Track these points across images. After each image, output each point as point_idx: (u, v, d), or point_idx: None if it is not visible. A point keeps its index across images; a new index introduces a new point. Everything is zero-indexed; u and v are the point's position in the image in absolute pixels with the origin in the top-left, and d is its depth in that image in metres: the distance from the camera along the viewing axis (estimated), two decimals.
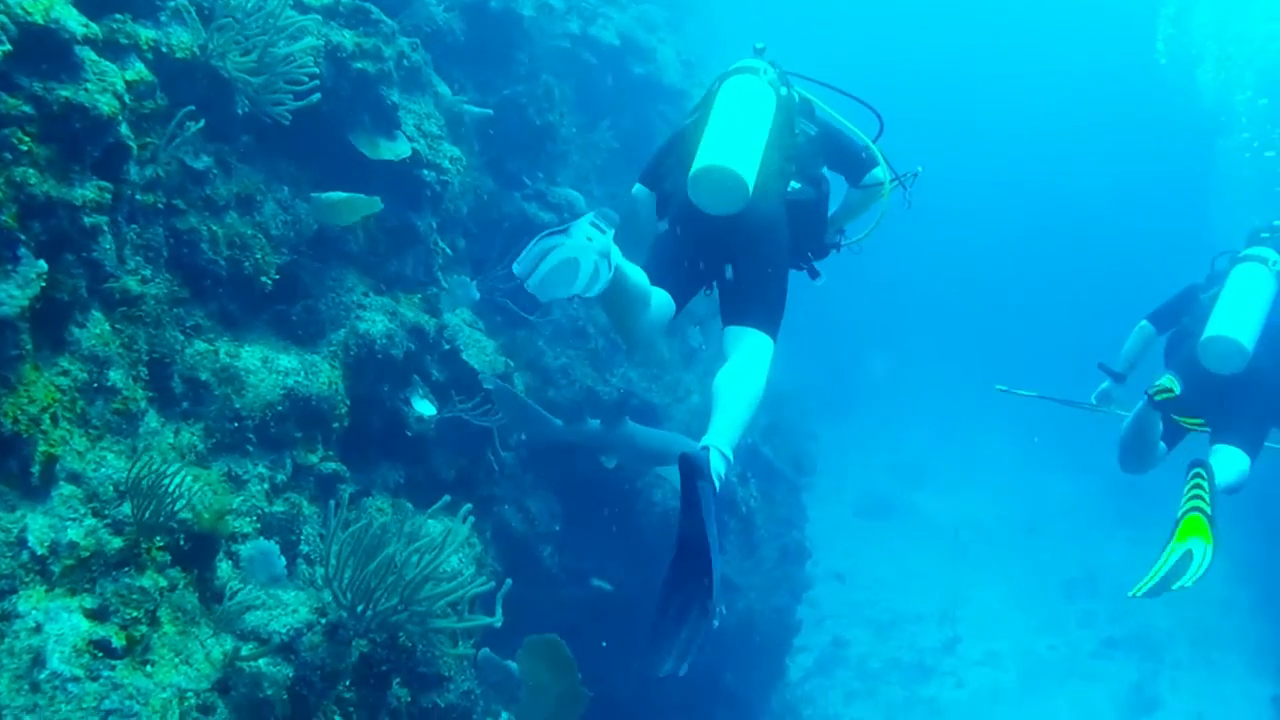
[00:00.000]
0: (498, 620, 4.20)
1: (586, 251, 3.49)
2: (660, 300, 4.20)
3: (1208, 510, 4.69)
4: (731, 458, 3.77)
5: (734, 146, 4.10)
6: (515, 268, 3.51)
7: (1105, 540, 17.69)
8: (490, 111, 7.09)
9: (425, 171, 5.93)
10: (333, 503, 4.04)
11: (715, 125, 4.20)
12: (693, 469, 3.48)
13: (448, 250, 6.23)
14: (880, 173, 4.79)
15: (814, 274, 4.80)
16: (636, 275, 3.93)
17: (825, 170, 4.71)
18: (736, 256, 4.23)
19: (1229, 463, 5.28)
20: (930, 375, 25.58)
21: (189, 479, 3.67)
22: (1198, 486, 4.77)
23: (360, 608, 3.88)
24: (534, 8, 8.08)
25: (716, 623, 3.48)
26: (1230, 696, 14.13)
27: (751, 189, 4.05)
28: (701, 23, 14.15)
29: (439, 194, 6.04)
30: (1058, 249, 31.58)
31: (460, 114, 6.73)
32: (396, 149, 5.64)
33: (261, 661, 3.64)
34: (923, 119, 23.14)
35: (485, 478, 6.39)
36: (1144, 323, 6.14)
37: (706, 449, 3.68)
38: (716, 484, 3.59)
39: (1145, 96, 27.08)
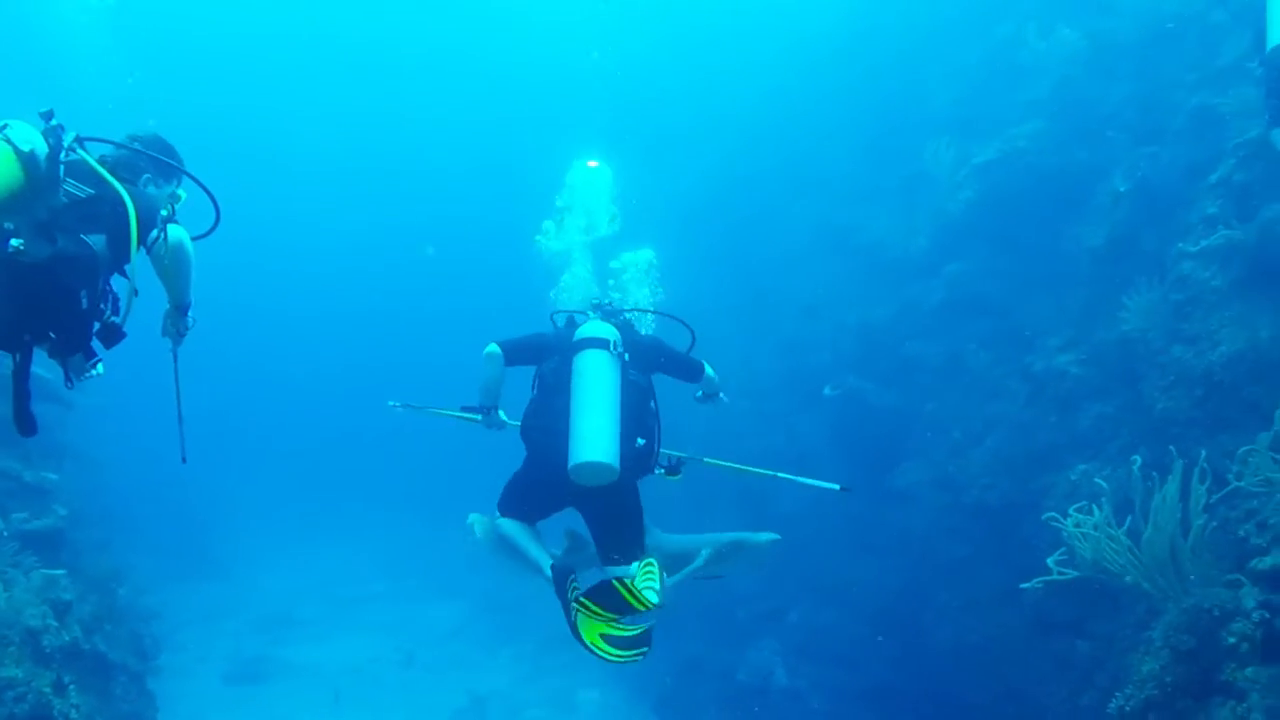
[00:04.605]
0: None
1: None
2: None
3: None
4: None
5: None
6: None
7: (488, 661, 17.80)
8: None
9: None
10: None
11: None
12: None
13: None
14: (155, 232, 4.26)
15: (89, 356, 4.33)
16: None
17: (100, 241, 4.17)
18: None
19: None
20: (279, 511, 24.66)
21: None
22: None
23: None
24: None
25: None
26: None
27: None
28: None
29: None
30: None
31: None
32: None
33: None
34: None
35: None
36: (495, 348, 5.85)
37: None
38: None
39: None
